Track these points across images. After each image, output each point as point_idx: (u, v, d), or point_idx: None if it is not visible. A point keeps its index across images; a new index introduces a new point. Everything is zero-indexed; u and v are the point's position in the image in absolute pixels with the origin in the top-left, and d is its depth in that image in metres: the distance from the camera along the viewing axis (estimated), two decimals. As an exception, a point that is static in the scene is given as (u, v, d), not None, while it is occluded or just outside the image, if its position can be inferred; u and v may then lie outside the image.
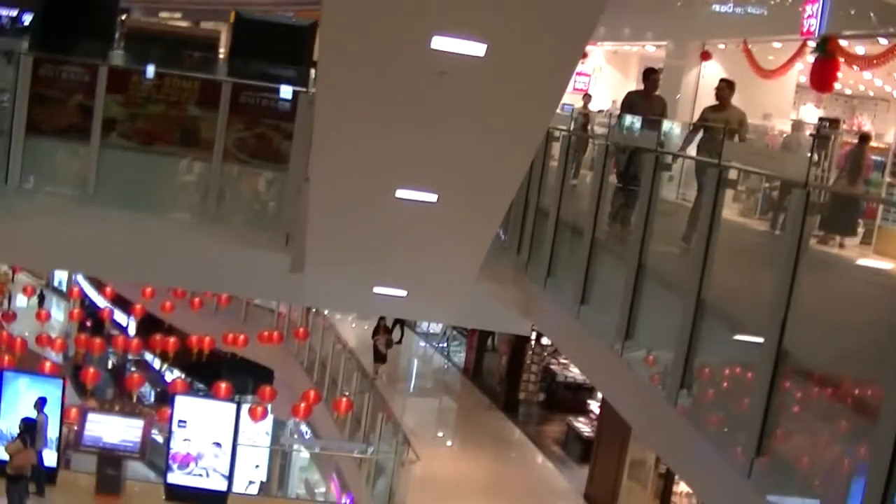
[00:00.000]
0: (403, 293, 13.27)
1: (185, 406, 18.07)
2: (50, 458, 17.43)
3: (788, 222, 7.55)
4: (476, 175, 10.07)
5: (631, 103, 14.12)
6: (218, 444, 17.67)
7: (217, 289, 23.98)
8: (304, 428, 26.99)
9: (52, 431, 17.35)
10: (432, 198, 10.27)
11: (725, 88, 13.85)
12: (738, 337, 8.81)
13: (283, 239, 13.38)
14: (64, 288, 48.43)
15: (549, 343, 27.18)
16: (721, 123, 12.99)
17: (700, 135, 13.22)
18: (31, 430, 16.34)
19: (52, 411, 17.47)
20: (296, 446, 27.16)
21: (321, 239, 12.19)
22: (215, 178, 14.07)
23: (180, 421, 17.76)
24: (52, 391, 17.66)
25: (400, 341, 29.22)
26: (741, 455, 7.54)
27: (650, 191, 10.08)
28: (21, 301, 42.73)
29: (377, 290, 13.22)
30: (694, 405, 8.82)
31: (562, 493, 21.99)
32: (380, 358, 27.84)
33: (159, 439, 21.95)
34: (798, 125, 21.10)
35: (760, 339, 7.48)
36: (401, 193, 10.24)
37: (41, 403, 16.63)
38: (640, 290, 9.97)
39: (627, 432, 19.87)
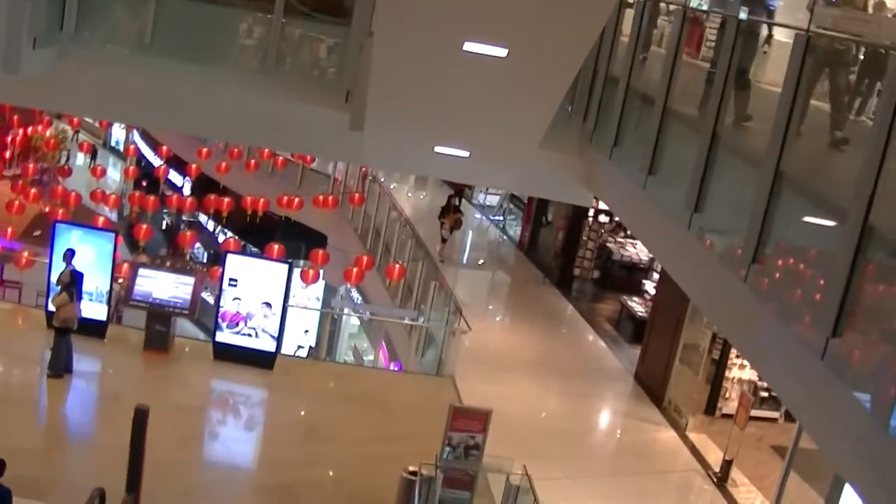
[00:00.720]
0: (466, 153, 12.91)
1: (236, 264, 17.91)
2: (99, 311, 17.41)
3: (885, 88, 7.02)
4: (548, 31, 9.61)
5: None
6: (268, 305, 17.56)
7: (273, 145, 23.74)
8: (355, 294, 26.97)
9: (95, 284, 17.29)
10: (502, 52, 9.83)
11: None
12: (817, 213, 8.33)
13: (343, 96, 13.01)
14: (121, 147, 48.73)
15: (607, 221, 26.85)
16: None
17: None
18: (76, 282, 16.29)
19: (103, 265, 17.43)
20: (346, 310, 27.14)
21: (383, 95, 11.82)
22: (275, 30, 13.68)
23: (231, 279, 17.62)
24: (104, 245, 17.60)
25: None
26: (815, 335, 7.13)
27: (729, 60, 9.55)
28: (80, 160, 43.03)
29: (439, 149, 12.86)
30: (765, 281, 8.40)
31: (612, 371, 21.85)
32: (443, 239, 27.62)
33: (210, 301, 21.95)
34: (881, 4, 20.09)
35: (843, 215, 7.02)
36: (468, 46, 9.79)
37: (70, 255, 16.51)
38: (712, 161, 9.51)
39: (682, 315, 19.60)
